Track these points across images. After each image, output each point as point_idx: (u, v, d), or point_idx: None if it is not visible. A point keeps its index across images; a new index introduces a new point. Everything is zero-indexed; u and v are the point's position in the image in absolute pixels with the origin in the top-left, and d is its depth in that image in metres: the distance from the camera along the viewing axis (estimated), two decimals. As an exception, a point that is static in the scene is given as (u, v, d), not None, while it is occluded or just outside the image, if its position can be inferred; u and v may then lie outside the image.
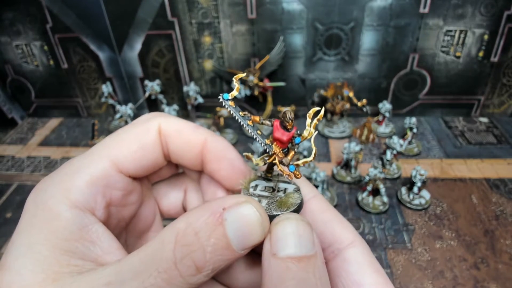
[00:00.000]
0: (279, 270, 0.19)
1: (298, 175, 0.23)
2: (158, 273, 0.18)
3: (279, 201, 0.23)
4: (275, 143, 0.24)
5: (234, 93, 0.23)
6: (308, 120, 0.23)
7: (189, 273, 0.19)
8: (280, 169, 0.23)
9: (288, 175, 0.23)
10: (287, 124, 0.22)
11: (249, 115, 0.24)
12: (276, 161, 0.24)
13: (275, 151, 0.23)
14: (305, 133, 0.23)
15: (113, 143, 0.24)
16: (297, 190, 0.24)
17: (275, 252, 0.19)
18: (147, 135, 0.25)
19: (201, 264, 0.19)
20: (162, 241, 0.19)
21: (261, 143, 0.24)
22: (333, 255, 0.24)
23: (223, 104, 0.23)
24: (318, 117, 0.23)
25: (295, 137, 0.23)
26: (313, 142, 0.23)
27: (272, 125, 0.23)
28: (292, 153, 0.24)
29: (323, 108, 0.23)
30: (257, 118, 0.24)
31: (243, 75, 0.24)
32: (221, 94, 0.23)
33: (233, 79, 0.23)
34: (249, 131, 0.24)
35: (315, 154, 0.23)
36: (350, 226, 0.25)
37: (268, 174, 0.26)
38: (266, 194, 0.24)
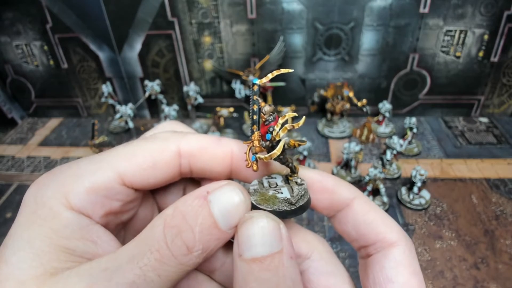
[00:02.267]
0: (244, 271, 0.19)
1: (254, 166, 0.24)
2: (151, 253, 0.19)
3: (261, 194, 0.24)
4: (258, 131, 0.24)
5: (263, 80, 0.23)
6: (280, 121, 0.23)
7: (181, 253, 0.19)
8: (245, 153, 0.24)
9: (247, 161, 0.24)
10: (261, 116, 0.23)
11: (260, 101, 0.24)
12: (249, 146, 0.24)
13: (253, 137, 0.24)
14: (273, 133, 0.23)
15: (124, 155, 0.23)
16: (289, 203, 0.23)
17: (241, 253, 0.20)
18: (162, 154, 0.24)
19: (191, 244, 0.19)
20: (152, 225, 0.20)
21: (250, 126, 0.24)
22: (375, 251, 0.24)
23: (251, 85, 0.23)
24: (294, 124, 0.22)
25: (267, 133, 0.23)
26: (281, 145, 0.23)
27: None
28: (259, 146, 0.23)
29: (304, 117, 0.23)
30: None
31: (290, 70, 0.25)
32: (251, 78, 0.23)
33: (276, 71, 0.23)
34: (250, 113, 0.24)
35: (270, 156, 0.23)
36: (394, 225, 0.24)
37: (290, 177, 0.26)
38: (265, 185, 0.25)
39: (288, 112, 0.24)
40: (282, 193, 0.24)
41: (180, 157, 0.24)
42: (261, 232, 0.20)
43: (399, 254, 0.23)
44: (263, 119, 0.23)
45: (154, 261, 0.19)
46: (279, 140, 0.23)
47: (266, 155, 0.23)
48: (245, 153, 0.24)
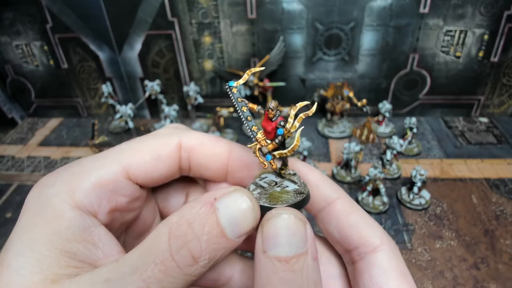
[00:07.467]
0: (267, 269, 0.19)
1: (273, 165, 0.24)
2: (155, 265, 0.18)
3: (270, 194, 0.23)
4: (261, 131, 0.24)
5: (240, 81, 0.24)
6: (292, 112, 0.23)
7: (186, 263, 0.19)
8: (256, 156, 0.24)
9: (263, 163, 0.24)
10: (268, 113, 0.22)
11: (246, 102, 0.24)
12: (256, 147, 0.24)
13: (257, 138, 0.24)
14: (287, 126, 0.23)
15: (128, 150, 0.24)
16: (299, 193, 0.23)
17: (265, 249, 0.19)
18: (164, 148, 0.25)
19: (197, 254, 0.19)
20: (157, 234, 0.20)
21: (247, 128, 0.24)
22: (359, 257, 0.23)
23: (227, 90, 0.23)
24: (308, 112, 0.22)
25: (278, 128, 0.23)
26: (298, 136, 0.23)
27: (264, 114, 0.24)
28: (273, 143, 0.23)
29: (316, 103, 0.23)
30: (254, 106, 0.24)
31: (261, 69, 0.25)
32: (227, 82, 0.23)
33: (247, 72, 0.24)
34: (241, 115, 0.24)
35: (292, 148, 0.23)
36: (377, 228, 0.24)
37: (282, 170, 0.26)
38: (265, 185, 0.24)
39: (291, 110, 0.24)
40: (288, 186, 0.24)
41: (180, 150, 0.25)
42: (288, 232, 0.19)
43: (385, 260, 0.23)
44: (271, 115, 0.23)
45: (158, 272, 0.18)
46: (278, 134, 0.23)
47: (289, 149, 0.23)
48: (256, 156, 0.24)
